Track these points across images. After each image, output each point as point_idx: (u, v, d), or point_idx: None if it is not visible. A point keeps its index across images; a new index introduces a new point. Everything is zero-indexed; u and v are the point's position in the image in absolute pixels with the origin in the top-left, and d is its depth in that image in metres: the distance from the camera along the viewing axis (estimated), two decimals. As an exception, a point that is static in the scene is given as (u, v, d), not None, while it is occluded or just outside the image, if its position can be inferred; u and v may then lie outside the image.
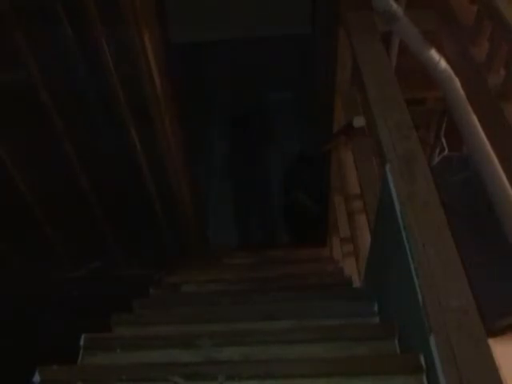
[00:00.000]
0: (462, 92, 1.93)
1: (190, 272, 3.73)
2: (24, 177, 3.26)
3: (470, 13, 2.10)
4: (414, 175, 1.67)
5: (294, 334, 1.81)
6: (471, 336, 1.27)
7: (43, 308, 3.47)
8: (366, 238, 2.77)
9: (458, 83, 1.95)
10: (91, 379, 1.60)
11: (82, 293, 3.67)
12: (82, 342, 1.83)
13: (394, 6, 2.02)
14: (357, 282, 3.07)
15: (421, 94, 3.41)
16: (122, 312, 2.32)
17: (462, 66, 2.05)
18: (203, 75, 5.26)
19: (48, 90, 2.79)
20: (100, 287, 3.61)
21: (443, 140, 2.45)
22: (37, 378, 1.59)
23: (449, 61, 2.00)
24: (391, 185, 1.68)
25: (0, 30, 2.51)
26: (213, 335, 1.80)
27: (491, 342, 1.27)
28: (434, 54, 1.98)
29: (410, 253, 1.49)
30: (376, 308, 2.02)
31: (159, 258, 3.64)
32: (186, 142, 3.54)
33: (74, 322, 2.48)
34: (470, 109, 1.89)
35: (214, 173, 5.22)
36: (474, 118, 1.87)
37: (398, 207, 1.61)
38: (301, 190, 4.35)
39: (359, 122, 2.91)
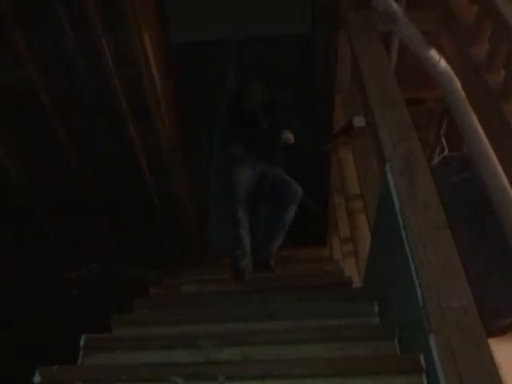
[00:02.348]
0: (462, 92, 1.93)
1: (190, 272, 3.73)
2: (24, 177, 3.26)
3: (470, 13, 2.10)
4: (414, 175, 1.67)
5: (293, 334, 1.81)
6: (471, 336, 1.27)
7: (43, 308, 3.47)
8: (366, 238, 2.77)
9: (458, 83, 1.94)
10: (91, 379, 1.60)
11: (81, 293, 3.67)
12: (82, 342, 1.83)
13: (394, 6, 2.02)
14: (357, 282, 3.07)
15: (421, 94, 3.41)
16: (122, 312, 2.32)
17: (462, 66, 2.05)
18: (203, 75, 5.25)
19: (48, 90, 2.79)
20: (100, 287, 3.61)
21: (443, 140, 2.45)
22: (37, 377, 1.59)
23: (449, 61, 2.00)
24: (391, 185, 1.68)
25: (0, 30, 2.51)
26: (213, 335, 1.80)
27: (491, 342, 1.27)
28: (434, 54, 1.98)
29: (410, 253, 1.49)
30: (376, 308, 2.02)
31: (159, 258, 3.64)
32: (185, 141, 3.54)
33: (74, 321, 2.48)
34: (470, 109, 1.89)
35: (214, 173, 5.21)
36: (474, 118, 1.87)
37: (397, 207, 1.61)
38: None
39: (359, 121, 2.91)
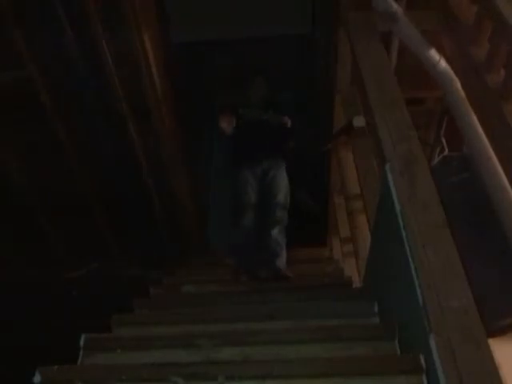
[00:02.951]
0: (462, 92, 1.93)
1: (190, 272, 3.73)
2: (24, 177, 3.26)
3: (470, 13, 2.10)
4: (414, 175, 1.67)
5: (294, 334, 1.81)
6: (471, 336, 1.27)
7: (43, 308, 3.47)
8: (366, 238, 2.77)
9: (458, 83, 1.94)
10: (91, 379, 1.60)
11: (81, 293, 3.67)
12: (81, 342, 1.83)
13: (394, 6, 2.02)
14: (357, 282, 3.07)
15: (421, 94, 3.41)
16: (122, 312, 2.32)
17: (462, 66, 2.05)
18: (203, 75, 5.24)
19: (48, 90, 2.79)
20: (100, 287, 3.61)
21: (443, 140, 2.45)
22: (37, 377, 1.59)
23: (449, 61, 2.00)
24: (391, 185, 1.68)
25: (0, 30, 2.51)
26: (213, 335, 1.80)
27: (491, 342, 1.27)
28: (434, 54, 1.98)
29: (410, 253, 1.49)
30: (376, 308, 2.02)
31: (159, 258, 3.64)
32: (185, 141, 3.54)
33: (74, 322, 2.47)
34: (470, 109, 1.89)
35: (214, 173, 5.20)
36: (474, 118, 1.87)
37: (397, 207, 1.61)
38: (301, 190, 4.33)
39: (359, 121, 2.91)
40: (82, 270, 3.78)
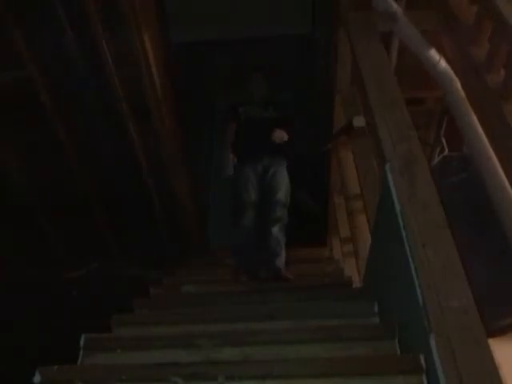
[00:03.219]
0: (462, 92, 1.93)
1: (190, 272, 3.73)
2: (24, 177, 3.26)
3: (470, 13, 2.10)
4: (413, 175, 1.67)
5: (293, 334, 1.81)
6: (471, 336, 1.27)
7: (43, 308, 3.47)
8: (366, 238, 2.77)
9: (458, 83, 1.94)
10: (91, 379, 1.60)
11: (81, 293, 3.67)
12: (81, 342, 1.83)
13: (394, 6, 2.02)
14: (357, 282, 3.07)
15: (421, 94, 3.41)
16: (122, 312, 2.32)
17: (462, 66, 2.05)
18: (203, 75, 5.26)
19: (48, 90, 2.79)
20: (100, 287, 3.61)
21: (443, 140, 2.45)
22: (37, 377, 1.59)
23: (449, 61, 2.00)
24: (391, 185, 1.68)
25: (0, 30, 2.51)
26: (213, 335, 1.80)
27: (491, 342, 1.27)
28: (434, 54, 1.98)
29: (410, 253, 1.49)
30: (376, 308, 2.02)
31: (159, 258, 3.64)
32: (185, 141, 3.54)
33: (74, 322, 2.48)
34: (470, 109, 1.89)
35: (214, 173, 5.21)
36: (474, 118, 1.87)
37: (397, 207, 1.61)
38: (301, 190, 4.34)
39: (359, 121, 2.91)
40: (81, 270, 3.78)
